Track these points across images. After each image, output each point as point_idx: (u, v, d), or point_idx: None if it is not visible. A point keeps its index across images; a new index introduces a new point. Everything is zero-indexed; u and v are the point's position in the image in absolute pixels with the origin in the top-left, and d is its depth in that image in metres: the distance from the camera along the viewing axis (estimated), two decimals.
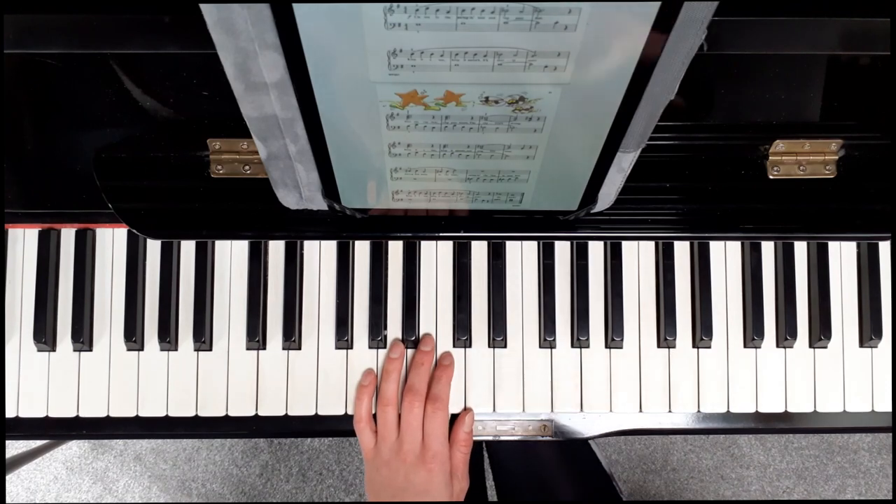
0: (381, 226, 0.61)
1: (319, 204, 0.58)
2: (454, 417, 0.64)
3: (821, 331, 0.65)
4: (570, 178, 0.51)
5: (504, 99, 0.41)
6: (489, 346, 0.65)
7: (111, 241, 0.65)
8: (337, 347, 0.65)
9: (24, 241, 0.65)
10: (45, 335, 0.63)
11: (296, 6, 0.34)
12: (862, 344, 0.66)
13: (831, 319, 0.66)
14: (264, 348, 0.65)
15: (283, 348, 0.65)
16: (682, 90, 0.41)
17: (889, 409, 0.65)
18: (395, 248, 0.66)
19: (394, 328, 0.65)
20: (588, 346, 0.65)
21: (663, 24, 0.35)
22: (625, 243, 0.66)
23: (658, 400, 0.65)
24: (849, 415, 0.65)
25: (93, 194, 0.61)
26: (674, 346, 0.65)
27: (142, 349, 0.65)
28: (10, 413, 0.64)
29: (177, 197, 0.61)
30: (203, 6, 0.36)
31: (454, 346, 0.65)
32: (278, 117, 0.45)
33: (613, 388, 0.65)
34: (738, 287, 0.66)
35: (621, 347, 0.65)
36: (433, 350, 0.65)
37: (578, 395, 0.65)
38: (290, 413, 0.64)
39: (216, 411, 0.64)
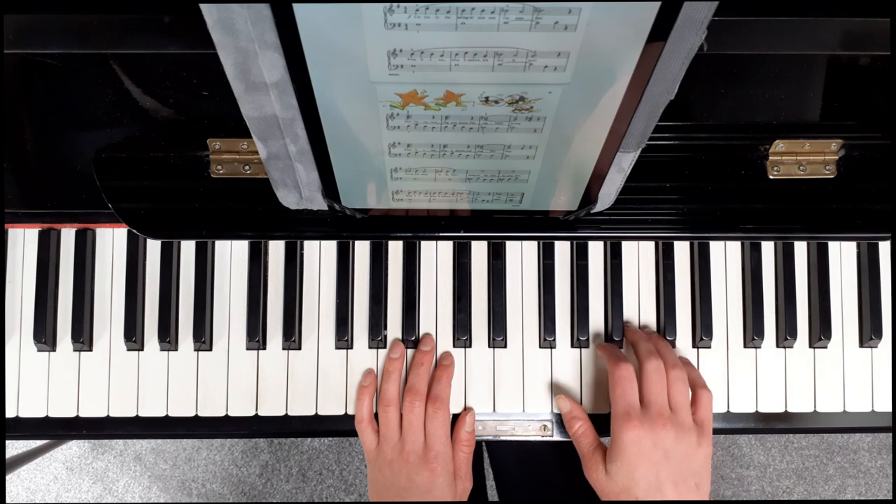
0: (381, 226, 0.61)
1: (319, 204, 0.58)
2: (455, 417, 0.64)
3: (821, 331, 0.65)
4: (570, 178, 0.51)
5: (504, 99, 0.41)
6: (489, 346, 0.65)
7: (111, 241, 0.65)
8: (337, 347, 0.65)
9: (24, 241, 0.65)
10: (45, 335, 0.63)
11: (296, 6, 0.34)
12: (862, 344, 0.66)
13: (831, 319, 0.66)
14: (264, 348, 0.65)
15: (283, 348, 0.65)
16: (681, 90, 0.41)
17: (889, 409, 0.65)
18: (395, 248, 0.66)
19: (394, 328, 0.65)
20: (588, 346, 0.65)
21: (663, 24, 0.35)
22: (625, 243, 0.66)
23: None
24: (849, 415, 0.65)
25: (93, 194, 0.61)
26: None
27: (142, 349, 0.65)
28: (10, 413, 0.64)
29: (177, 197, 0.61)
30: (203, 6, 0.36)
31: (454, 346, 0.65)
32: (278, 117, 0.45)
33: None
34: (738, 287, 0.66)
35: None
36: (433, 350, 0.65)
37: (578, 395, 0.65)
38: (290, 413, 0.64)
39: (216, 411, 0.64)
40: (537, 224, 0.61)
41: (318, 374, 0.65)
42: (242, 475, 1.36)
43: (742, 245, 0.66)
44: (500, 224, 0.61)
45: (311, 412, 0.64)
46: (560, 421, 0.64)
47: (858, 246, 0.67)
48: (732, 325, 0.66)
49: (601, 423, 0.63)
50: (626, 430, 0.54)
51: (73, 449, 1.37)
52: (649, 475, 0.53)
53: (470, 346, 0.65)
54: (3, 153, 0.62)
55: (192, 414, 0.64)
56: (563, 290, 0.66)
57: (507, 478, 0.88)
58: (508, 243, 0.66)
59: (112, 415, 0.64)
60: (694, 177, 0.62)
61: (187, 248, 0.65)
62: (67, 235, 0.65)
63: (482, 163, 0.49)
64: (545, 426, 0.65)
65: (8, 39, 0.47)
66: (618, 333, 0.65)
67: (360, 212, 0.58)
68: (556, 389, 0.65)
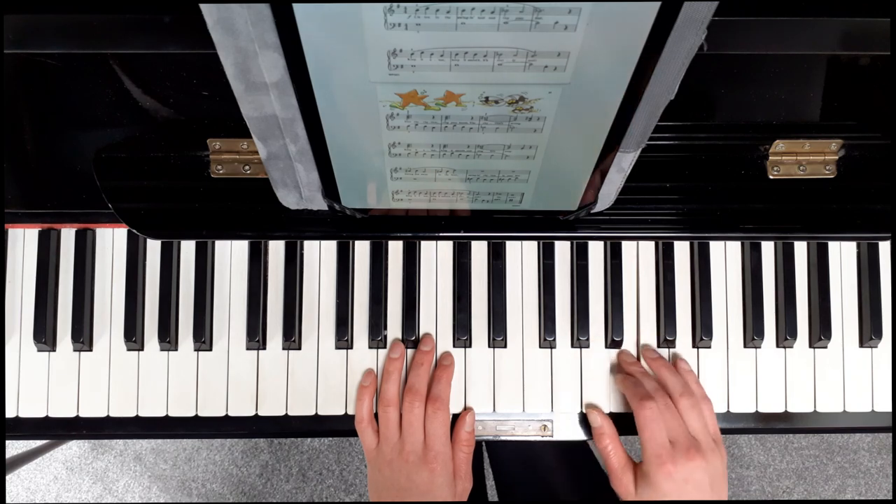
0: (381, 226, 0.61)
1: (319, 204, 0.58)
2: (455, 417, 0.64)
3: (821, 331, 0.65)
4: (570, 178, 0.51)
5: (504, 99, 0.41)
6: (489, 346, 0.65)
7: (111, 241, 0.65)
8: (337, 347, 0.65)
9: (24, 241, 0.65)
10: (45, 335, 0.63)
11: (296, 6, 0.34)
12: (862, 344, 0.66)
13: (831, 319, 0.66)
14: (264, 348, 0.65)
15: (283, 348, 0.65)
16: (682, 90, 0.41)
17: (889, 409, 0.65)
18: (395, 248, 0.66)
19: (394, 328, 0.65)
20: (588, 346, 0.65)
21: (663, 24, 0.35)
22: (625, 243, 0.66)
23: None
24: (849, 415, 0.65)
25: (93, 194, 0.61)
26: (674, 346, 0.65)
27: (142, 349, 0.65)
28: (10, 413, 0.64)
29: (177, 197, 0.61)
30: (203, 6, 0.36)
31: (454, 346, 0.65)
32: (278, 117, 0.45)
33: (613, 389, 0.65)
34: (738, 287, 0.66)
35: (621, 347, 0.65)
36: (433, 350, 0.65)
37: (578, 395, 0.65)
38: (290, 413, 0.64)
39: (216, 411, 0.64)
40: (537, 224, 0.61)
41: (318, 374, 0.65)
42: (242, 475, 1.36)
43: (742, 245, 0.66)
44: (500, 224, 0.61)
45: (311, 412, 0.64)
46: (560, 421, 0.64)
47: (858, 246, 0.67)
48: (732, 325, 0.66)
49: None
50: (661, 472, 0.57)
51: (73, 449, 1.37)
52: (678, 497, 0.57)
53: (470, 346, 0.65)
54: (3, 153, 0.62)
55: (192, 414, 0.64)
56: (563, 290, 0.66)
57: (507, 478, 0.88)
58: (508, 243, 0.66)
59: (112, 415, 0.64)
60: (694, 177, 0.62)
61: (187, 248, 0.65)
62: (67, 235, 0.65)
63: (482, 163, 0.49)
64: (545, 426, 0.65)
65: (8, 39, 0.47)
66: (618, 333, 0.65)
67: (360, 212, 0.58)
68: (556, 389, 0.65)
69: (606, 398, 0.65)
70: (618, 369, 0.65)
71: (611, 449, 0.61)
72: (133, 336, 0.64)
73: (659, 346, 0.66)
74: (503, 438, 0.65)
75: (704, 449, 0.58)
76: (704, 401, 0.61)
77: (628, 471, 0.60)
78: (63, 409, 0.64)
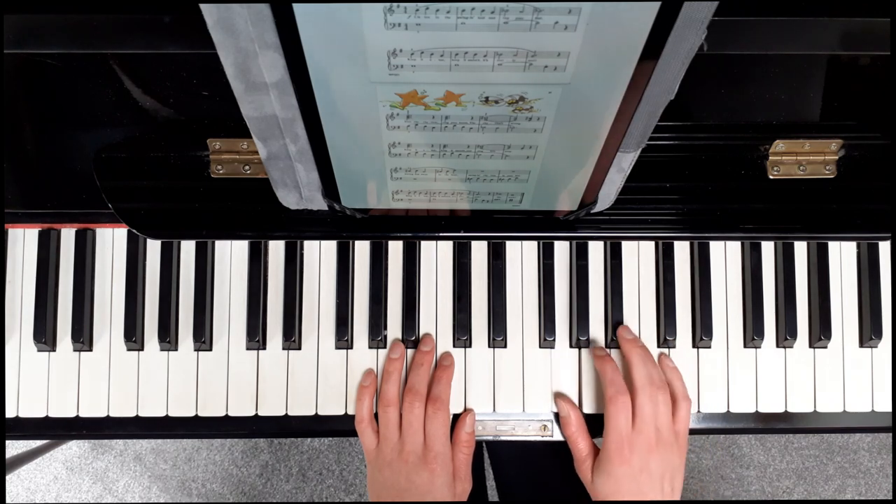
0: (381, 226, 0.61)
1: (319, 204, 0.58)
2: (455, 418, 0.64)
3: (821, 331, 0.65)
4: (570, 177, 0.51)
5: (504, 99, 0.41)
6: (489, 346, 0.65)
7: (111, 241, 0.65)
8: (337, 347, 0.65)
9: (24, 241, 0.65)
10: (45, 335, 0.63)
11: (296, 6, 0.34)
12: (862, 344, 0.66)
13: (831, 319, 0.66)
14: (264, 348, 0.65)
15: (283, 348, 0.65)
16: (681, 90, 0.41)
17: (889, 409, 0.65)
18: (395, 248, 0.66)
19: (394, 328, 0.65)
20: (588, 346, 0.65)
21: (663, 24, 0.35)
22: (625, 243, 0.66)
23: None
24: (849, 415, 0.65)
25: (93, 194, 0.61)
26: (674, 346, 0.65)
27: (142, 349, 0.65)
28: (10, 413, 0.64)
29: (177, 197, 0.61)
30: (203, 6, 0.36)
31: (454, 346, 0.65)
32: (278, 117, 0.45)
33: None
34: (738, 287, 0.66)
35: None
36: (433, 350, 0.65)
37: (578, 396, 0.65)
38: (290, 413, 0.64)
39: (216, 411, 0.64)
40: (537, 224, 0.61)
41: (318, 374, 0.65)
42: (242, 475, 1.36)
43: (742, 245, 0.66)
44: (500, 224, 0.61)
45: (311, 412, 0.64)
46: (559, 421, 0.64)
47: (858, 246, 0.67)
48: (732, 325, 0.66)
49: (598, 423, 0.63)
50: (618, 457, 0.59)
51: (73, 449, 1.37)
52: (632, 487, 0.59)
53: (470, 346, 0.65)
54: (3, 153, 0.62)
55: (192, 414, 0.64)
56: (562, 290, 0.66)
57: (508, 478, 0.88)
58: (508, 243, 0.66)
59: (112, 415, 0.64)
60: (694, 177, 0.62)
61: (187, 248, 0.65)
62: (67, 235, 0.65)
63: (482, 163, 0.49)
64: (545, 426, 0.65)
65: (8, 39, 0.47)
66: None
67: (360, 212, 0.58)
68: (556, 390, 0.65)
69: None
70: (610, 344, 0.65)
71: (577, 437, 0.63)
72: (133, 336, 0.64)
73: (659, 346, 0.66)
74: (503, 438, 0.65)
75: (663, 443, 0.60)
76: (685, 400, 0.62)
77: (590, 458, 0.62)
78: (63, 409, 0.64)
